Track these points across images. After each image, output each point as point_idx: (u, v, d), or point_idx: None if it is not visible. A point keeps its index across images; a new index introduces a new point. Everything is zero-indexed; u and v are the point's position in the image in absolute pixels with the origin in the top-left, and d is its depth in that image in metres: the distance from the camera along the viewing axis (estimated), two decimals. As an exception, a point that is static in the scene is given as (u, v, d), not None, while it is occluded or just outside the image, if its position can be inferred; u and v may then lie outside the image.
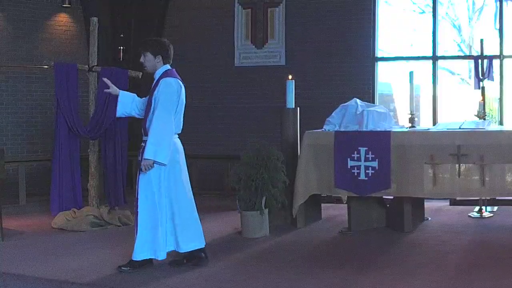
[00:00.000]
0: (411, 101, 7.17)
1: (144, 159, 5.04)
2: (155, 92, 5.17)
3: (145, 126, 5.24)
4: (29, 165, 9.34)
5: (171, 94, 5.14)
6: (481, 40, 8.41)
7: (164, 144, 5.05)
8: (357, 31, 9.55)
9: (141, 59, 5.34)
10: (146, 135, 5.18)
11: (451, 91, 11.66)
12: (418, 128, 7.16)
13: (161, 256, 5.20)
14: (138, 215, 5.14)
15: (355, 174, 6.55)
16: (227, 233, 6.80)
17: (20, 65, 9.58)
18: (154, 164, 5.05)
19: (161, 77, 5.24)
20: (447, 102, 11.00)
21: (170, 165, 5.15)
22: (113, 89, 5.57)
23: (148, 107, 5.27)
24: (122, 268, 5.19)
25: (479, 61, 8.32)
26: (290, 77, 7.19)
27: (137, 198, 5.17)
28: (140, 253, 5.17)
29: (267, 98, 9.80)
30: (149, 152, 5.02)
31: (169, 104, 5.11)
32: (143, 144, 5.18)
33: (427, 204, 7.49)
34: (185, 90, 5.39)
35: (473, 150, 6.23)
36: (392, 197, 6.87)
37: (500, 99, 9.05)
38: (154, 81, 5.29)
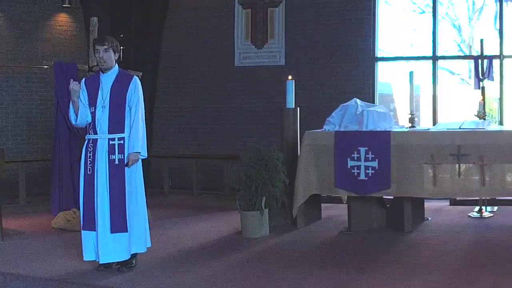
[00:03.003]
0: (411, 101, 7.17)
1: (135, 152, 5.13)
2: (130, 91, 5.18)
3: (113, 123, 5.14)
4: (29, 165, 9.35)
5: (142, 92, 5.32)
6: (481, 40, 8.41)
7: (145, 139, 5.28)
8: (357, 31, 9.54)
9: (101, 54, 5.16)
10: (115, 132, 5.14)
11: (451, 91, 11.66)
12: (418, 128, 7.16)
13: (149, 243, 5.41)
14: (132, 211, 5.17)
15: (355, 174, 6.55)
16: (227, 233, 6.80)
17: (20, 65, 9.58)
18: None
19: (123, 75, 5.26)
20: (447, 102, 11.00)
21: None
22: (75, 93, 5.19)
23: (117, 104, 5.15)
24: (125, 268, 5.19)
25: (479, 61, 8.31)
26: (290, 77, 7.19)
27: (122, 193, 5.14)
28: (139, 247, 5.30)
29: (267, 98, 9.80)
30: (138, 146, 5.15)
31: (142, 102, 5.30)
32: (112, 142, 5.12)
33: (427, 204, 7.49)
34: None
35: (473, 150, 6.23)
36: (392, 197, 6.87)
37: (500, 99, 9.05)
38: (111, 78, 5.20)
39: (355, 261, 5.50)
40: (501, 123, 8.90)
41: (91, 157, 5.16)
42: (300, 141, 7.04)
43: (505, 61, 9.03)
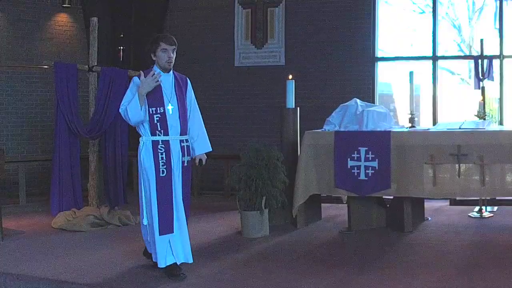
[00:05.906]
0: (411, 101, 7.17)
1: (207, 152, 5.33)
2: (189, 92, 5.19)
3: (183, 125, 5.08)
4: (29, 165, 9.34)
5: None
6: (481, 40, 8.41)
7: None
8: (357, 31, 9.55)
9: (171, 54, 5.03)
10: (184, 134, 5.10)
11: (451, 91, 11.67)
12: (418, 128, 7.16)
13: None
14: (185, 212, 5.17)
15: (355, 174, 6.55)
16: (227, 233, 6.80)
17: (20, 65, 9.58)
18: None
19: (178, 76, 5.17)
20: (447, 102, 11.01)
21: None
22: (150, 88, 4.92)
23: (183, 106, 5.07)
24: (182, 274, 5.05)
25: (479, 61, 8.32)
26: (290, 77, 7.19)
27: (187, 195, 5.23)
28: None
29: (267, 98, 9.80)
30: (209, 146, 5.39)
31: None
32: (183, 144, 5.09)
33: (427, 204, 7.49)
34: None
35: (473, 150, 6.23)
36: (392, 197, 6.87)
37: (500, 99, 9.06)
38: (171, 79, 5.09)
39: (355, 261, 5.50)
40: (501, 123, 8.91)
41: (165, 159, 4.99)
42: (300, 141, 7.04)
43: (505, 61, 9.03)
